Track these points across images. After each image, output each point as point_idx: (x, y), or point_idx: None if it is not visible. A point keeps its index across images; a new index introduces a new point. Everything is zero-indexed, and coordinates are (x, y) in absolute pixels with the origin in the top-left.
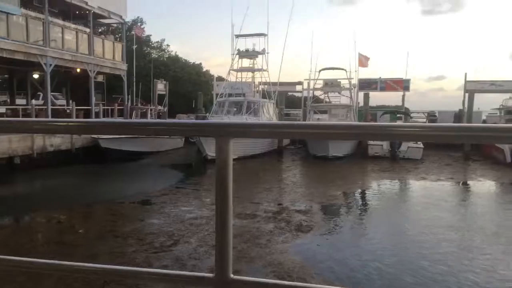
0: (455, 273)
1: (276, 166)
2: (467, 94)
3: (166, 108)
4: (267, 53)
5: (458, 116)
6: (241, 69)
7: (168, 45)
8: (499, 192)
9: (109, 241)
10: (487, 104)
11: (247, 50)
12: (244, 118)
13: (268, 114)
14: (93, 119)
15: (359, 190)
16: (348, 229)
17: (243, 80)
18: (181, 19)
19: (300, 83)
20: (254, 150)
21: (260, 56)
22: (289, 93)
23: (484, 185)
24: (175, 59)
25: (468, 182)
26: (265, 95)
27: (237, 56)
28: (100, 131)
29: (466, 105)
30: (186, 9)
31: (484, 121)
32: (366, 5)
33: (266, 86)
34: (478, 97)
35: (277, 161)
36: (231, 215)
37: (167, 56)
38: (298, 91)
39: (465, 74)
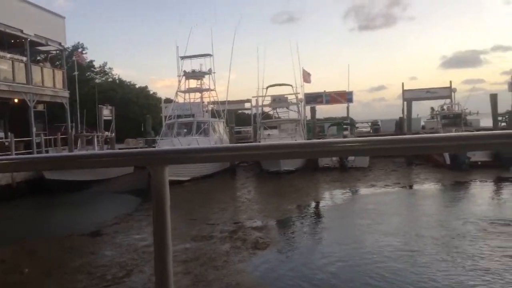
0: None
1: (230, 184)
2: (405, 103)
3: (113, 134)
4: (214, 72)
5: (399, 124)
6: (189, 90)
7: (111, 68)
8: (442, 193)
9: (57, 279)
10: (425, 110)
11: (193, 71)
12: (195, 139)
13: (219, 133)
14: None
15: (313, 202)
16: (305, 243)
17: (192, 100)
18: (124, 43)
19: (248, 100)
20: (206, 170)
21: (207, 76)
22: (239, 111)
23: (429, 187)
24: (121, 83)
25: (414, 186)
26: (214, 114)
27: (184, 77)
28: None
29: (405, 113)
30: (129, 33)
31: (423, 127)
32: (307, 23)
33: (215, 105)
34: (416, 104)
35: (231, 179)
36: (170, 246)
37: (110, 80)
38: (247, 109)
39: (402, 84)
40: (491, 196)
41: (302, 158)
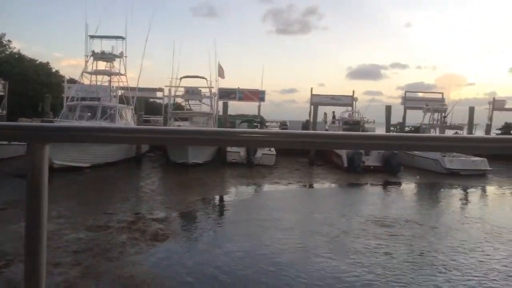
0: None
1: (134, 173)
2: (312, 107)
3: (4, 112)
4: (125, 57)
5: (305, 126)
6: (96, 72)
7: (9, 41)
8: (337, 193)
9: None
10: (330, 115)
11: (103, 52)
12: (99, 124)
13: (126, 120)
14: None
15: (218, 196)
16: (205, 236)
17: (99, 83)
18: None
19: (161, 89)
20: (108, 157)
21: (118, 60)
22: (151, 100)
23: (327, 187)
24: (20, 57)
25: (314, 185)
26: (123, 100)
27: (92, 58)
28: None
29: (312, 116)
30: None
31: (327, 130)
32: (227, 19)
33: (124, 91)
34: (322, 109)
35: (136, 168)
36: (44, 236)
37: (8, 52)
38: (159, 98)
39: (311, 88)
40: (378, 198)
41: (198, 145)
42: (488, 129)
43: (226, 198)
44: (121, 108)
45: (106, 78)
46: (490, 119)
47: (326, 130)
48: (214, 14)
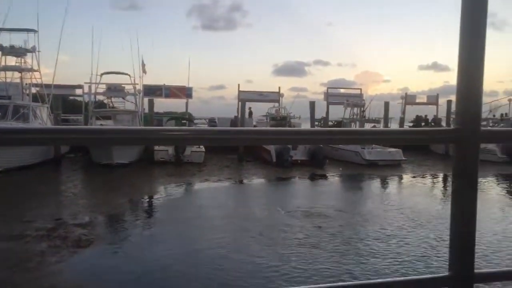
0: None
1: (53, 177)
2: (240, 103)
3: None
4: (39, 51)
5: (234, 122)
6: (5, 68)
7: None
8: (267, 187)
9: None
10: (258, 110)
11: (12, 47)
12: (10, 125)
13: (41, 119)
14: None
15: (147, 197)
16: (133, 238)
17: (9, 80)
18: None
19: (80, 86)
20: (23, 160)
21: (30, 55)
22: (70, 97)
23: (256, 182)
24: None
25: (244, 181)
26: (37, 98)
27: (0, 52)
28: None
29: (240, 112)
30: None
31: (255, 126)
32: (149, 13)
33: (39, 88)
34: (250, 105)
35: (54, 171)
36: None
37: None
38: (78, 95)
39: (238, 85)
40: (305, 191)
41: (123, 145)
42: (401, 122)
43: (154, 198)
44: (35, 107)
45: (17, 74)
46: (403, 112)
47: (254, 125)
48: (136, 7)
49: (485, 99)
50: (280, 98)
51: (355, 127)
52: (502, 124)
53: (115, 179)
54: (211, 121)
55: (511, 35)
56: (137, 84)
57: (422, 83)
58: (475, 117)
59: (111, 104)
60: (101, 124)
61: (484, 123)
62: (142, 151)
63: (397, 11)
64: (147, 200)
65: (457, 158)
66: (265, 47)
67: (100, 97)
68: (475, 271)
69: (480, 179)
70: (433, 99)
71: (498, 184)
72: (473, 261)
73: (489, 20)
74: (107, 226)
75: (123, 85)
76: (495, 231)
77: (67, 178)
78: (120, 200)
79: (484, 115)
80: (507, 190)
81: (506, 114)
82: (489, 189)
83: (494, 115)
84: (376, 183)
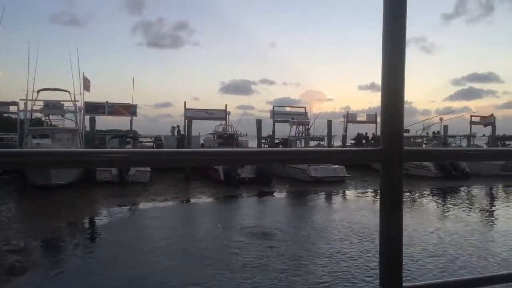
0: None
1: None
2: (187, 121)
3: None
4: None
5: (181, 140)
6: None
7: None
8: (216, 206)
9: None
10: (204, 129)
11: None
12: None
13: None
14: None
15: (87, 219)
16: (73, 263)
17: None
18: None
19: (15, 103)
20: None
21: None
22: (4, 115)
23: (204, 201)
24: None
25: (191, 200)
26: None
27: None
28: None
29: (186, 130)
30: None
31: (202, 145)
32: (92, 29)
33: None
34: (197, 123)
35: None
36: None
37: None
38: (13, 112)
39: (185, 102)
40: (253, 209)
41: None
42: (344, 140)
43: (96, 220)
44: None
45: None
46: (345, 130)
47: (201, 143)
48: (77, 22)
49: (418, 118)
50: (227, 116)
51: (300, 144)
52: (434, 141)
53: (53, 202)
54: (157, 140)
55: (440, 57)
56: (78, 101)
57: (362, 102)
58: (397, 137)
59: (49, 122)
60: (37, 143)
61: (419, 140)
62: (83, 171)
63: (336, 34)
64: (88, 223)
65: (382, 177)
66: (212, 65)
67: (37, 115)
68: (404, 284)
69: (417, 193)
70: (372, 118)
71: (432, 197)
72: (401, 274)
73: (419, 44)
74: (44, 252)
75: (62, 102)
76: (428, 243)
77: None
78: (58, 224)
79: (418, 132)
80: (439, 203)
81: (438, 132)
82: (424, 203)
83: (427, 133)
84: (321, 199)
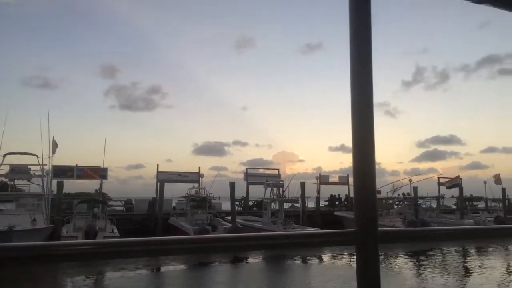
0: None
1: None
2: (159, 184)
3: None
4: None
5: (152, 203)
6: None
7: None
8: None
9: None
10: (178, 191)
11: None
12: None
13: None
14: None
15: None
16: None
17: None
18: None
19: None
20: None
21: None
22: None
23: (177, 269)
24: None
25: (161, 269)
26: None
27: None
28: None
29: (158, 194)
30: None
31: (174, 208)
32: (63, 92)
33: None
34: (170, 185)
35: None
36: None
37: None
38: None
39: (157, 165)
40: (225, 276)
41: None
42: (317, 201)
43: None
44: None
45: None
46: (318, 192)
47: (174, 207)
48: (50, 85)
49: (388, 179)
50: (200, 178)
51: (275, 206)
52: (406, 202)
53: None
54: (127, 203)
55: (403, 120)
56: (46, 165)
57: (333, 163)
58: (372, 219)
59: (14, 187)
60: (1, 210)
61: (390, 201)
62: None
63: (305, 96)
64: None
65: (358, 259)
66: (185, 127)
67: (3, 179)
68: None
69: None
70: (344, 179)
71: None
72: None
73: (383, 108)
74: None
75: (29, 166)
76: None
77: None
78: None
79: (389, 194)
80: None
81: (408, 193)
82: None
83: (398, 194)
84: (298, 264)
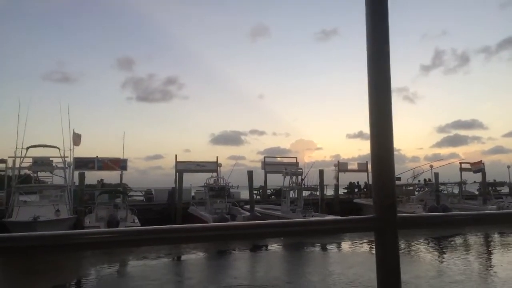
0: None
1: None
2: (178, 174)
3: None
4: None
5: (171, 193)
6: None
7: None
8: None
9: None
10: (197, 181)
11: None
12: None
13: None
14: None
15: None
16: None
17: None
18: None
19: (3, 160)
20: None
21: None
22: None
23: (196, 257)
24: None
25: (182, 257)
26: None
27: None
28: None
29: (178, 183)
30: None
31: (193, 197)
32: (82, 85)
33: None
34: (189, 175)
35: None
36: None
37: None
38: (1, 170)
39: (176, 155)
40: (245, 262)
41: None
42: (336, 189)
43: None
44: None
45: None
46: (337, 179)
47: (193, 196)
48: (69, 79)
49: (408, 165)
50: (218, 167)
51: (294, 194)
52: (427, 189)
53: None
54: (148, 193)
55: (423, 106)
56: (67, 157)
57: (351, 150)
58: (391, 206)
59: (37, 179)
60: (24, 201)
61: (411, 188)
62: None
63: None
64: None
65: (377, 246)
66: (202, 117)
67: (26, 171)
68: None
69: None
70: (363, 167)
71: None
72: None
73: (402, 93)
74: None
75: (51, 159)
76: None
77: None
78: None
79: (409, 180)
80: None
81: (429, 179)
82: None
83: (419, 180)
84: (317, 252)
